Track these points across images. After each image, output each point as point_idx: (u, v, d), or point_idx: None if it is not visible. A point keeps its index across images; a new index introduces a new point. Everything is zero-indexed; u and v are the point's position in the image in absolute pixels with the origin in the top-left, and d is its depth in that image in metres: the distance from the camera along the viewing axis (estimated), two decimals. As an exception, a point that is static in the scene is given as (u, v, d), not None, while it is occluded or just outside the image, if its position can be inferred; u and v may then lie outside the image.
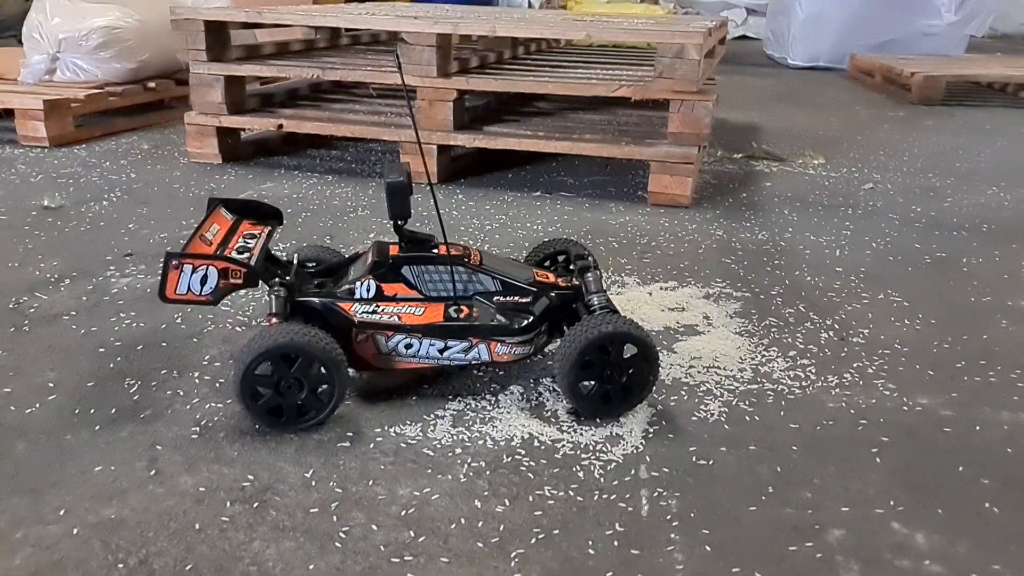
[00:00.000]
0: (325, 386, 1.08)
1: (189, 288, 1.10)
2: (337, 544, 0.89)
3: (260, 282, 1.14)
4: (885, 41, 5.42)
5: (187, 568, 0.84)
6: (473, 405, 1.17)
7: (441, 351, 1.16)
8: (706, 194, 2.33)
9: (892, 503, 0.98)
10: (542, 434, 1.10)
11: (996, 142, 3.22)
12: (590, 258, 1.28)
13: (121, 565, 0.84)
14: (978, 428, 1.15)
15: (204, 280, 1.10)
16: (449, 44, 2.29)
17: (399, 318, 1.14)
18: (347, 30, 3.30)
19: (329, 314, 1.14)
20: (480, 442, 1.08)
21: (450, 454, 1.05)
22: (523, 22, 2.39)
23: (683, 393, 1.21)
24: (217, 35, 2.41)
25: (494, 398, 1.19)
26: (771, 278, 1.69)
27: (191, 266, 1.09)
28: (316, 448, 1.06)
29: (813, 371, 1.29)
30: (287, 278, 1.18)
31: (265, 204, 1.29)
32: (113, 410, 1.13)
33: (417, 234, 1.19)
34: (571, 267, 1.32)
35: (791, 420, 1.15)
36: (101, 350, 1.30)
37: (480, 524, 0.92)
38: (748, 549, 0.90)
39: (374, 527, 0.91)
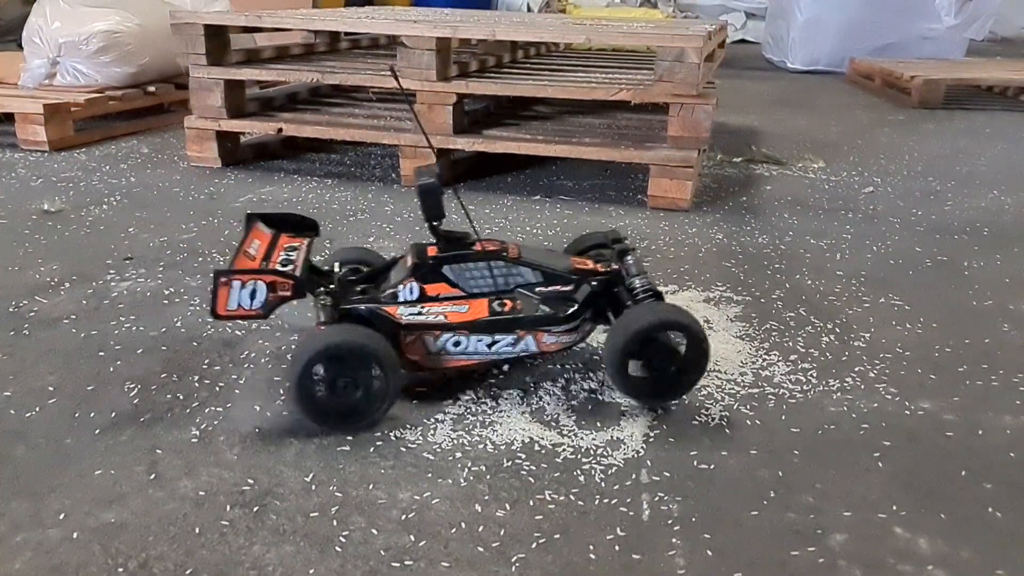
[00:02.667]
0: (378, 386, 1.09)
1: (239, 304, 1.11)
2: (337, 548, 0.88)
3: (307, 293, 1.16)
4: (884, 45, 5.43)
5: (187, 572, 0.84)
6: (473, 409, 1.16)
7: (489, 346, 1.17)
8: (706, 198, 2.33)
9: (894, 508, 0.98)
10: (543, 438, 1.10)
11: (996, 145, 3.22)
12: (627, 240, 1.29)
13: (121, 569, 0.84)
14: (980, 432, 1.15)
15: (253, 295, 1.11)
16: (449, 48, 2.29)
17: (445, 317, 1.16)
18: (346, 34, 3.30)
19: (375, 319, 1.15)
20: (480, 446, 1.08)
21: (450, 458, 1.05)
22: (522, 26, 2.39)
23: (683, 397, 1.21)
24: (217, 39, 2.41)
25: (494, 402, 1.18)
26: (771, 282, 1.69)
27: (240, 282, 1.11)
28: (316, 452, 1.05)
29: (814, 375, 1.29)
30: (331, 287, 1.19)
31: (301, 216, 1.30)
32: (113, 414, 1.13)
33: (453, 233, 1.20)
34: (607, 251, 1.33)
35: (792, 424, 1.15)
36: (101, 354, 1.30)
37: (481, 529, 0.92)
38: (750, 554, 0.89)
39: (374, 531, 0.91)
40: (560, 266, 1.22)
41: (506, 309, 1.17)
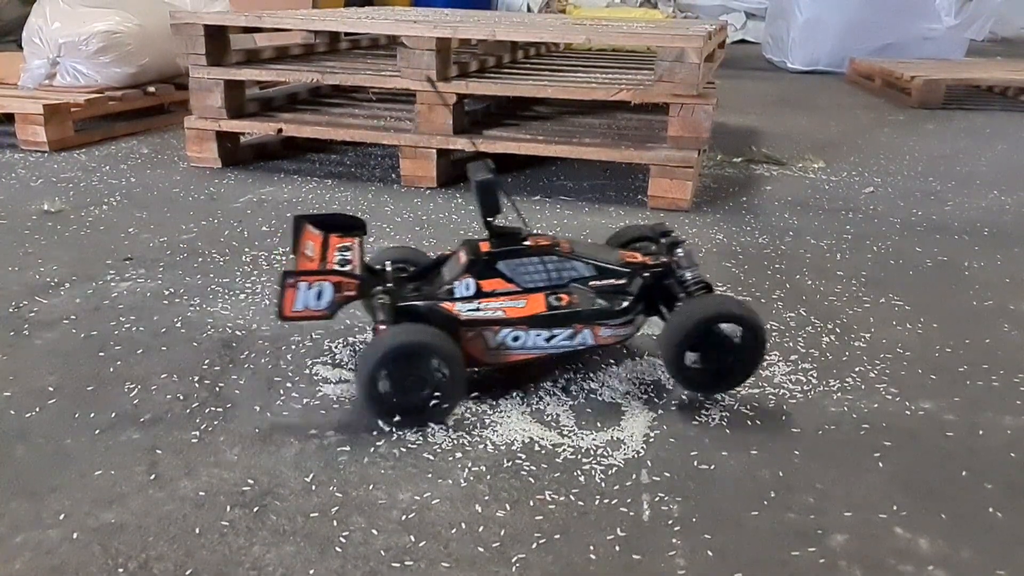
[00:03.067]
0: (445, 383, 1.09)
1: (306, 305, 1.13)
2: (337, 549, 0.88)
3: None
4: (885, 45, 5.43)
5: (187, 573, 0.84)
6: (473, 409, 1.16)
7: (548, 340, 1.18)
8: (706, 198, 2.33)
9: (895, 508, 0.98)
10: (543, 438, 1.10)
11: (997, 146, 3.22)
12: (675, 233, 1.31)
13: (121, 570, 0.84)
14: (981, 433, 1.15)
15: (320, 295, 1.13)
16: (449, 48, 2.29)
17: (504, 312, 1.16)
18: (346, 34, 3.30)
19: (434, 316, 1.15)
20: (480, 446, 1.08)
21: (450, 458, 1.05)
22: (522, 26, 2.39)
23: (684, 397, 1.21)
24: (217, 39, 2.41)
25: (494, 402, 1.18)
26: (772, 282, 1.69)
27: (306, 283, 1.12)
28: (316, 453, 1.05)
29: (815, 375, 1.29)
30: (388, 285, 1.20)
31: (347, 215, 1.31)
32: (113, 414, 1.13)
33: (506, 228, 1.21)
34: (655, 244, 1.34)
35: (793, 424, 1.15)
36: (101, 354, 1.30)
37: (481, 529, 0.92)
38: (750, 554, 0.89)
39: (374, 532, 0.91)
40: (610, 260, 1.24)
41: (563, 303, 1.18)
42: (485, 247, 1.20)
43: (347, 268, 1.17)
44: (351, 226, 1.30)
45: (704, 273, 1.23)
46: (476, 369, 1.22)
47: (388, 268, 1.28)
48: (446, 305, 1.16)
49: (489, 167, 1.17)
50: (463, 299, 1.17)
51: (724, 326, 1.15)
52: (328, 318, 1.15)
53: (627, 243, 1.38)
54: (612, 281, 1.22)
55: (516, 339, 1.17)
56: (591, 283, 1.21)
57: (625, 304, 1.20)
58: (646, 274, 1.23)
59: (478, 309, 1.16)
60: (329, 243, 1.25)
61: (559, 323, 1.17)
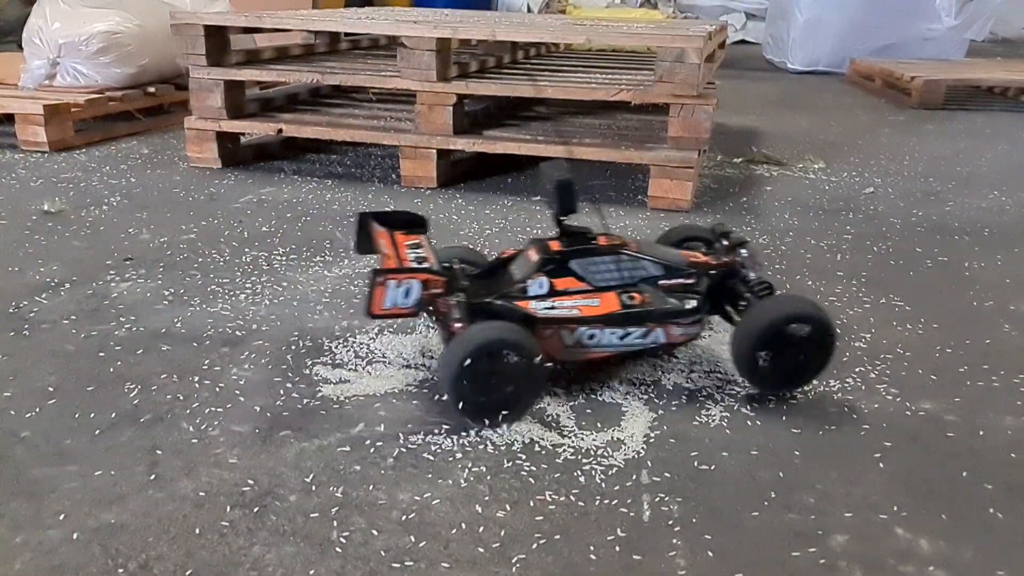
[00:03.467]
0: (528, 380, 1.10)
1: (395, 303, 1.14)
2: (337, 549, 0.88)
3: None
4: (885, 45, 5.43)
5: (187, 573, 0.84)
6: (474, 410, 1.16)
7: (621, 338, 1.19)
8: (706, 198, 2.33)
9: (895, 508, 0.98)
10: (543, 439, 1.10)
11: (997, 146, 3.22)
12: (736, 232, 1.32)
13: (121, 570, 0.84)
14: (981, 433, 1.15)
15: (408, 293, 1.14)
16: (449, 48, 2.29)
17: (579, 311, 1.17)
18: (346, 35, 3.30)
19: (509, 314, 1.16)
20: (481, 447, 1.08)
21: (451, 459, 1.05)
22: (523, 26, 2.39)
23: (684, 398, 1.21)
24: (217, 40, 2.41)
25: (495, 403, 1.18)
26: (772, 282, 1.68)
27: (395, 281, 1.13)
28: (316, 453, 1.05)
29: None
30: (464, 283, 1.21)
31: (409, 212, 1.32)
32: (113, 415, 1.13)
33: (575, 228, 1.23)
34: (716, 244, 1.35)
35: (793, 425, 1.15)
36: (101, 354, 1.30)
37: (481, 529, 0.92)
38: (750, 555, 0.89)
39: (374, 532, 0.91)
40: (676, 260, 1.25)
41: (636, 302, 1.19)
42: (555, 246, 1.21)
43: (425, 266, 1.18)
44: (413, 223, 1.31)
45: (765, 274, 1.26)
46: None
47: (457, 267, 1.28)
48: (520, 303, 1.17)
49: (564, 166, 1.20)
50: (537, 297, 1.18)
51: (794, 325, 1.16)
52: (414, 315, 1.17)
53: (678, 243, 1.39)
54: (681, 280, 1.23)
55: (592, 337, 1.18)
56: (660, 282, 1.23)
57: (695, 303, 1.22)
58: (712, 273, 1.25)
59: (553, 307, 1.17)
60: (396, 240, 1.26)
61: (634, 322, 1.19)
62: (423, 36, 2.20)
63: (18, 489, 0.97)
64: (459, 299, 1.15)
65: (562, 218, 1.21)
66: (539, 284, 1.18)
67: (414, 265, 1.18)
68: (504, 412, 1.11)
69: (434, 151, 2.31)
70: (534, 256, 1.21)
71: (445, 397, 1.13)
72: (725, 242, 1.32)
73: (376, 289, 1.12)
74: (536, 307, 1.17)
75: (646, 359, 1.31)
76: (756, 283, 1.24)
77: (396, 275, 1.12)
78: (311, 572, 0.85)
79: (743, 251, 1.26)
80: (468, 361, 1.06)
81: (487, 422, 1.10)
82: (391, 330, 1.40)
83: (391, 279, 1.12)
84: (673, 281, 1.23)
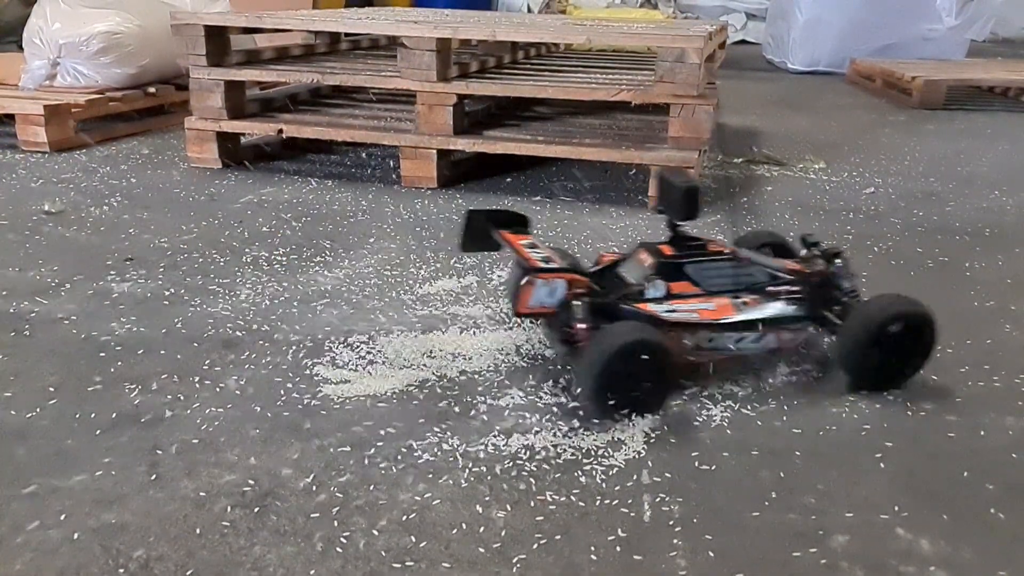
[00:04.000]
0: (662, 379, 1.13)
1: (540, 302, 1.18)
2: (338, 549, 0.88)
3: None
4: (885, 45, 5.42)
5: (188, 573, 0.84)
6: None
7: (737, 342, 1.22)
8: (707, 198, 2.33)
9: (896, 509, 0.97)
10: (543, 439, 1.09)
11: (998, 146, 3.22)
12: (824, 243, 1.36)
13: (122, 570, 0.84)
14: (982, 433, 1.15)
15: (552, 293, 1.17)
16: (449, 48, 2.29)
17: (698, 315, 1.19)
18: (347, 35, 3.30)
19: (631, 317, 1.18)
20: (481, 447, 1.07)
21: (451, 459, 1.05)
22: (523, 26, 2.39)
23: (685, 398, 1.21)
24: (217, 40, 2.41)
25: (495, 403, 1.18)
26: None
27: (543, 281, 1.17)
28: (316, 453, 1.05)
29: (815, 375, 1.29)
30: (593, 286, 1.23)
31: (512, 211, 1.35)
32: (114, 415, 1.13)
33: (687, 233, 1.26)
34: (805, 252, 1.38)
35: (794, 425, 1.15)
36: (102, 354, 1.30)
37: (482, 529, 0.92)
38: (751, 555, 0.89)
39: (375, 532, 0.91)
40: (779, 267, 1.28)
41: (749, 307, 1.22)
42: (667, 250, 1.24)
43: (550, 265, 1.21)
44: (516, 221, 1.34)
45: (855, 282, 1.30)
46: None
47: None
48: (640, 305, 1.19)
49: (687, 175, 1.22)
50: (656, 300, 1.20)
51: (899, 324, 1.18)
52: (554, 315, 1.19)
53: (754, 250, 1.41)
54: (787, 287, 1.26)
55: (710, 340, 1.21)
56: (768, 289, 1.25)
57: (803, 310, 1.25)
58: (812, 281, 1.28)
59: (673, 311, 1.19)
60: (510, 240, 1.28)
61: (748, 326, 1.21)
62: (423, 36, 2.20)
63: (18, 489, 0.96)
64: (583, 300, 1.17)
65: (679, 224, 1.24)
66: (655, 287, 1.21)
67: (542, 265, 1.20)
68: (641, 409, 1.13)
69: (434, 151, 2.31)
70: (648, 260, 1.23)
71: (580, 389, 1.15)
72: (816, 252, 1.34)
73: (525, 288, 1.15)
74: (658, 309, 1.19)
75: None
76: (849, 292, 1.27)
77: (544, 275, 1.16)
78: (312, 572, 0.85)
79: (838, 261, 1.30)
80: (611, 361, 1.08)
81: (619, 415, 1.13)
82: (391, 330, 1.40)
83: (539, 279, 1.16)
84: (780, 288, 1.26)
